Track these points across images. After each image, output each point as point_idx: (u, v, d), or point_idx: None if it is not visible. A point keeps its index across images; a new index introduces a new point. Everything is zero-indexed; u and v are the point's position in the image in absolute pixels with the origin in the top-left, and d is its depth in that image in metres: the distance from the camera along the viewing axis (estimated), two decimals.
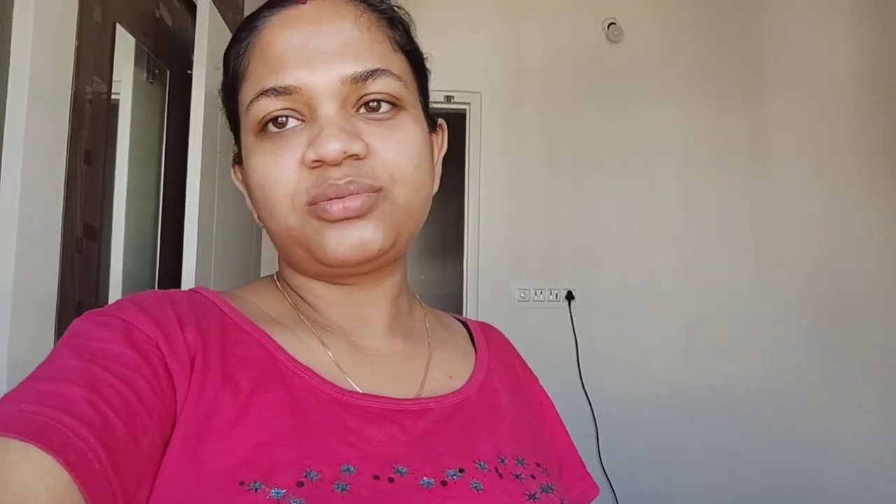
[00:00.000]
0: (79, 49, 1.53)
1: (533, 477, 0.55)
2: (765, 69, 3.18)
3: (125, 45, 1.86)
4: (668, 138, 3.13)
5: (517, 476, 0.53)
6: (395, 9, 0.59)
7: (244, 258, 2.67)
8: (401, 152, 0.54)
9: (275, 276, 0.65)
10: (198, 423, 0.46)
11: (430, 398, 0.56)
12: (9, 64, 1.30)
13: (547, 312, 3.01)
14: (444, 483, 0.49)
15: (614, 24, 3.11)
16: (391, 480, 0.47)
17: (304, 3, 0.54)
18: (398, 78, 0.55)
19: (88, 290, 1.58)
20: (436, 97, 3.10)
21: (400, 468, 0.48)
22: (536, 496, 0.52)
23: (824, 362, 3.04)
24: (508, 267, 3.04)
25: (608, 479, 2.87)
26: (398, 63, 0.56)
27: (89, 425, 0.39)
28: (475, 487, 0.50)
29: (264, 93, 0.52)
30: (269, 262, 3.39)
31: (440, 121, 0.65)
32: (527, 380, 0.72)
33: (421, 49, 0.62)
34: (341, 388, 0.53)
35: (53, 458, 0.36)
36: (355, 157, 0.51)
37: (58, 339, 0.95)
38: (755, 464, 2.96)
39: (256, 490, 0.43)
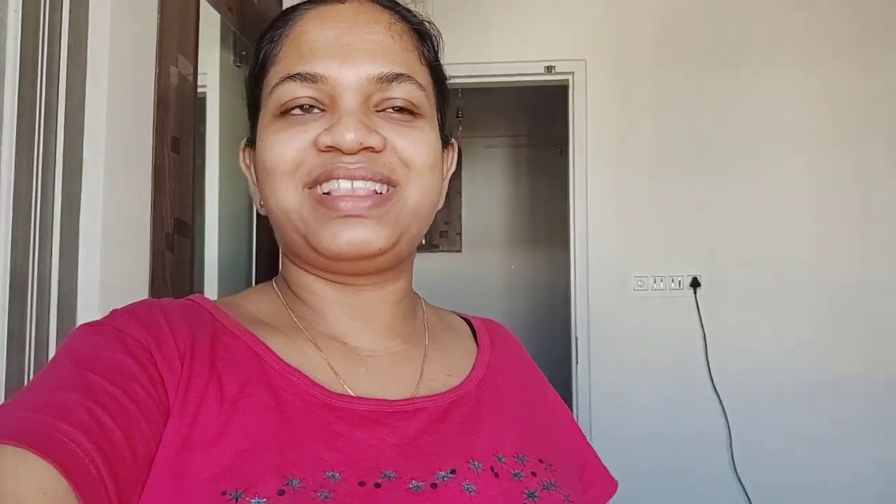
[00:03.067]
0: (161, 23, 1.39)
1: (534, 474, 0.54)
2: None
3: (210, 21, 1.73)
4: (797, 108, 2.78)
5: (515, 475, 0.53)
6: (427, 24, 0.61)
7: None
8: (418, 149, 0.56)
9: (273, 281, 0.65)
10: (183, 431, 0.46)
11: (425, 397, 0.56)
12: (87, 41, 1.17)
13: (669, 301, 2.72)
14: (433, 486, 0.48)
15: None
16: (378, 486, 0.47)
17: (343, 3, 0.57)
18: (421, 87, 0.57)
19: (181, 289, 1.46)
20: (535, 68, 2.89)
21: (388, 473, 0.48)
22: (536, 494, 0.51)
23: None
24: (622, 254, 2.79)
25: (742, 484, 2.58)
26: (423, 75, 0.59)
27: (86, 431, 0.39)
28: (467, 489, 0.49)
29: (291, 77, 0.54)
30: None
31: (452, 139, 0.67)
32: (537, 377, 0.71)
33: (444, 71, 0.63)
34: (330, 391, 0.52)
35: (50, 465, 0.36)
36: (371, 149, 0.53)
37: None
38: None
39: (237, 499, 0.43)
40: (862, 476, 2.65)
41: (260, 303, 0.61)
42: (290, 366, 0.53)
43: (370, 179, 0.53)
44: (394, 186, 0.55)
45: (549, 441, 0.62)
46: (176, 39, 1.48)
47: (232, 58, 1.86)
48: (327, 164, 0.53)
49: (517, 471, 0.53)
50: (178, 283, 1.44)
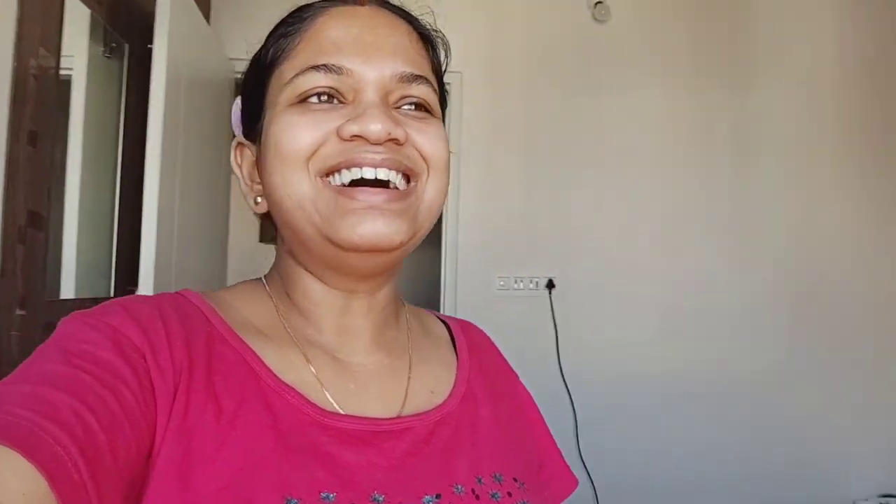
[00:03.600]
0: (21, 19, 1.39)
1: (510, 494, 0.55)
2: (751, 58, 3.10)
3: (78, 15, 1.72)
4: (650, 124, 3.05)
5: (493, 495, 0.54)
6: (436, 34, 0.62)
7: (209, 248, 2.55)
8: (436, 145, 0.55)
9: (263, 279, 0.63)
10: (184, 446, 0.46)
11: (411, 416, 0.56)
12: None
13: (527, 301, 2.93)
14: None
15: (601, 2, 3.00)
16: None
17: (363, 5, 0.57)
18: (435, 91, 0.58)
19: (34, 283, 1.47)
20: None
21: (377, 496, 0.48)
22: None
23: (797, 348, 3.02)
24: (488, 255, 2.95)
25: (585, 467, 2.83)
26: (434, 81, 0.59)
27: (71, 434, 0.39)
28: None
29: (314, 67, 0.53)
30: (236, 252, 3.28)
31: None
32: (509, 380, 0.71)
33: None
34: (323, 410, 0.52)
35: (34, 467, 0.36)
36: (395, 141, 0.53)
37: None
38: (731, 449, 2.94)
39: None
40: (698, 461, 2.96)
41: (253, 304, 0.59)
42: (284, 383, 0.52)
43: (394, 169, 0.53)
44: (414, 181, 0.55)
45: (522, 455, 0.63)
46: (38, 33, 1.49)
47: (102, 49, 1.85)
48: (349, 152, 0.52)
49: (494, 491, 0.54)
50: (30, 276, 1.45)
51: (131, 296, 0.54)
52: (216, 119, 2.55)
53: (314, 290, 0.58)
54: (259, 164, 0.58)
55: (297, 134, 0.52)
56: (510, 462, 0.59)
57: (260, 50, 0.59)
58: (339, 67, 0.53)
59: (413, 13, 0.62)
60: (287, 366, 0.54)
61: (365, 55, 0.54)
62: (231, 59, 2.77)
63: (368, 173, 0.52)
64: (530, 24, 3.04)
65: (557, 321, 2.91)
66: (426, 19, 0.62)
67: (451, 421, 0.58)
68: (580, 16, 3.05)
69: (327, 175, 0.53)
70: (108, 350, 0.46)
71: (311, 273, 0.58)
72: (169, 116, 1.91)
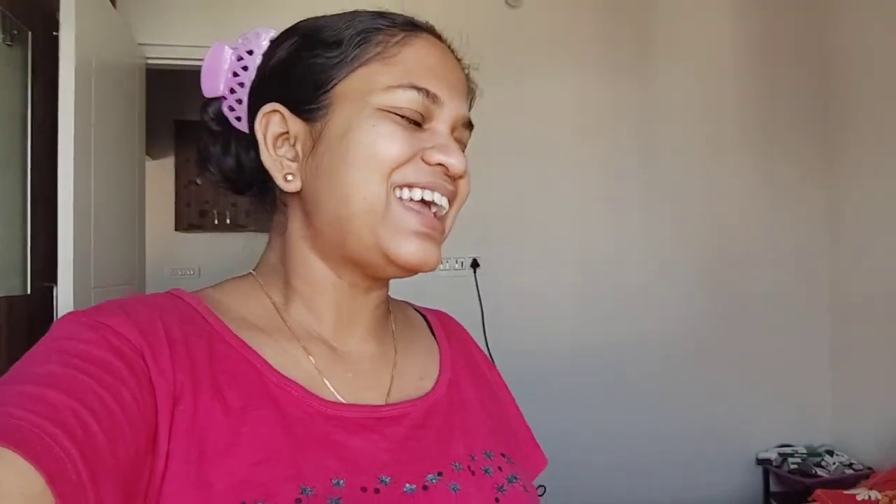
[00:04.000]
0: None
1: (500, 469, 0.59)
2: (655, 40, 3.26)
3: None
4: (565, 107, 3.17)
5: (486, 470, 0.58)
6: (473, 89, 0.67)
7: (127, 239, 2.48)
8: (468, 185, 0.61)
9: (253, 275, 0.63)
10: (197, 445, 0.47)
11: (406, 402, 0.59)
12: None
13: (453, 280, 3.01)
14: (425, 488, 0.53)
15: None
16: (377, 491, 0.50)
17: (442, 42, 0.62)
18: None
19: None
20: None
21: (384, 478, 0.51)
22: (504, 488, 0.57)
23: (702, 316, 3.22)
24: None
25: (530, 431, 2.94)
26: None
27: (71, 435, 0.39)
28: (453, 489, 0.54)
29: (417, 88, 0.56)
30: (150, 241, 3.19)
31: None
32: (486, 364, 0.75)
33: None
34: (325, 400, 0.54)
35: (33, 468, 0.36)
36: (459, 177, 0.59)
37: None
38: (645, 412, 3.13)
39: None
40: (616, 423, 3.11)
41: (248, 302, 0.60)
42: (287, 378, 0.54)
43: (448, 199, 0.58)
44: (450, 205, 0.59)
45: (505, 432, 0.67)
46: None
47: (2, 37, 1.77)
48: (431, 175, 0.56)
49: (486, 467, 0.58)
50: None
51: (128, 296, 0.55)
52: (128, 105, 2.47)
53: (325, 281, 0.60)
54: (315, 146, 0.57)
55: (394, 146, 0.55)
56: (497, 439, 0.63)
57: (325, 28, 0.59)
58: (437, 97, 0.57)
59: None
60: (288, 360, 0.56)
61: (452, 91, 0.58)
62: (140, 44, 2.69)
63: (438, 198, 0.57)
64: (440, 6, 3.08)
65: (482, 298, 3.01)
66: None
67: (443, 405, 0.61)
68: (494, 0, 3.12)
69: (400, 187, 0.55)
70: (106, 350, 0.46)
71: (328, 264, 0.59)
72: (80, 106, 1.85)
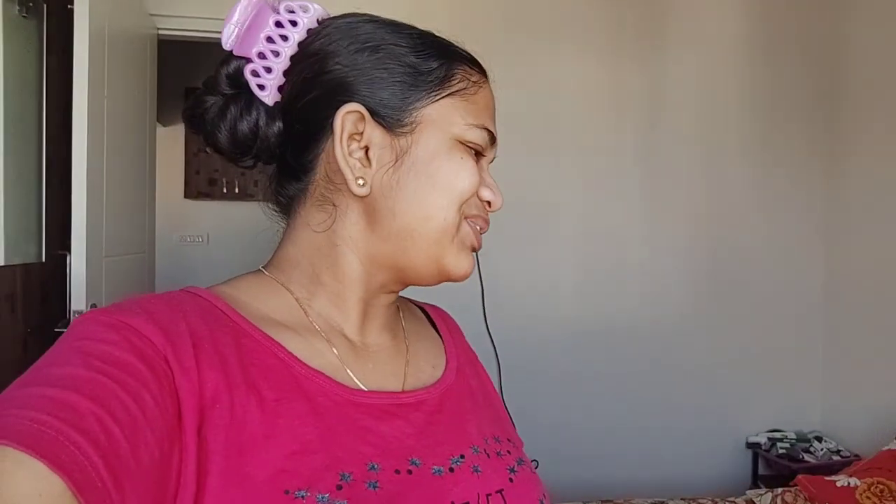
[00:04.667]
0: None
1: (509, 452, 0.63)
2: (660, 27, 3.24)
3: None
4: (567, 91, 3.16)
5: (498, 454, 0.61)
6: None
7: (138, 208, 2.53)
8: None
9: (264, 271, 0.63)
10: (236, 440, 0.48)
11: (422, 389, 0.62)
12: None
13: None
14: (451, 470, 0.56)
15: None
16: (410, 472, 0.53)
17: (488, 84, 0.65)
18: None
19: None
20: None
21: (415, 460, 0.54)
22: (514, 469, 0.61)
23: (701, 301, 3.26)
24: None
25: (510, 416, 3.01)
26: None
27: (94, 442, 0.39)
28: (475, 470, 0.57)
29: (488, 130, 0.61)
30: (161, 208, 3.23)
31: None
32: (474, 355, 0.78)
33: None
34: (351, 389, 0.56)
35: (61, 478, 0.37)
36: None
37: None
38: (643, 391, 3.20)
39: (303, 497, 0.46)
40: (612, 399, 3.15)
41: (268, 299, 0.60)
42: (313, 369, 0.56)
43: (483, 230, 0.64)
44: None
45: (504, 419, 0.71)
46: None
47: (16, 8, 1.80)
48: (481, 209, 0.63)
49: (498, 450, 0.62)
50: None
51: (148, 294, 0.55)
52: (139, 77, 2.51)
53: (358, 280, 0.61)
54: (398, 161, 0.58)
55: (471, 182, 0.59)
56: (500, 425, 0.67)
57: (410, 41, 0.60)
58: (495, 139, 0.63)
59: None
60: (312, 352, 0.57)
61: (496, 134, 0.64)
62: (152, 14, 2.71)
63: (482, 229, 0.63)
64: None
65: (483, 279, 3.05)
66: None
67: (454, 391, 0.65)
68: None
69: (466, 217, 0.61)
70: (128, 352, 0.46)
71: (366, 266, 0.61)
72: (94, 77, 1.89)
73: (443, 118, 0.59)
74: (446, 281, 0.62)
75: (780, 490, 2.30)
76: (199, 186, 4.66)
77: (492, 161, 0.65)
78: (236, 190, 4.65)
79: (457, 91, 0.60)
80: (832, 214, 3.31)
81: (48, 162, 1.90)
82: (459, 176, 0.59)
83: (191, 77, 4.51)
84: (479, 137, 0.60)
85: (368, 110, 0.58)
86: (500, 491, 0.57)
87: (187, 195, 4.65)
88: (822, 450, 2.99)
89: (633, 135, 3.24)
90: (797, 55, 3.34)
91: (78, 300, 1.78)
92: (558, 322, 3.17)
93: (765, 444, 3.16)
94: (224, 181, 4.64)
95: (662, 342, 3.24)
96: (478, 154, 0.62)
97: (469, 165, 0.59)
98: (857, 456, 2.91)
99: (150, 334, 0.48)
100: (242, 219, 4.49)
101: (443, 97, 0.59)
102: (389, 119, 0.58)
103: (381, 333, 0.65)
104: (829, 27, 3.30)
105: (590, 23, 3.19)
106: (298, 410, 0.52)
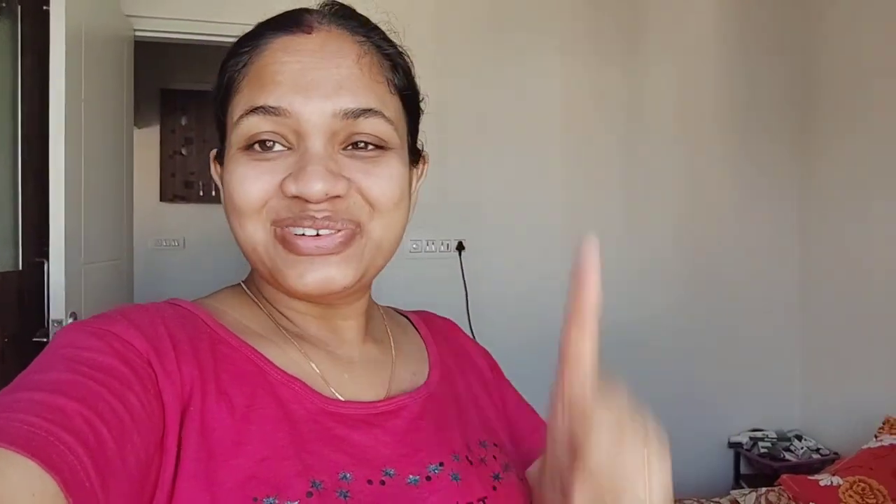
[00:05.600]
0: None
1: (494, 458, 0.61)
2: (643, 27, 3.28)
3: None
4: (550, 93, 3.18)
5: (482, 460, 0.59)
6: (400, 51, 0.60)
7: (115, 212, 2.48)
8: (383, 188, 0.54)
9: (243, 286, 0.63)
10: (206, 445, 0.47)
11: (402, 396, 0.60)
12: None
13: (438, 262, 3.04)
14: (428, 478, 0.54)
15: None
16: (383, 483, 0.52)
17: (310, 34, 0.54)
18: (389, 121, 0.55)
19: None
20: None
21: (388, 470, 0.53)
22: (500, 476, 0.58)
23: (686, 308, 3.29)
24: None
25: (527, 403, 3.00)
26: (393, 105, 0.57)
27: (83, 442, 0.39)
28: (454, 478, 0.55)
29: (254, 110, 0.52)
30: (138, 212, 3.17)
31: (425, 152, 0.66)
32: (471, 350, 0.76)
33: (419, 89, 0.63)
34: (326, 398, 0.55)
35: (47, 473, 0.36)
36: (336, 196, 0.52)
37: None
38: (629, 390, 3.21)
39: None
40: None
41: (243, 311, 0.60)
42: (290, 375, 0.54)
43: (334, 229, 0.53)
44: (359, 227, 0.55)
45: (495, 421, 0.68)
46: None
47: None
48: (293, 209, 0.52)
49: (482, 456, 0.60)
50: None
51: (127, 304, 0.54)
52: (116, 78, 2.45)
53: (294, 304, 0.60)
54: (224, 196, 0.57)
55: (248, 188, 0.52)
56: (488, 429, 0.65)
57: (219, 75, 0.58)
58: (276, 109, 0.52)
59: (374, 22, 0.60)
60: (288, 361, 0.56)
61: (306, 93, 0.52)
62: (128, 15, 2.65)
63: (310, 232, 0.52)
64: None
65: (467, 280, 3.04)
66: (390, 35, 0.60)
67: (437, 398, 0.62)
68: None
69: (278, 224, 0.53)
70: (112, 356, 0.46)
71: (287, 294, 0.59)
72: (70, 79, 1.84)
73: (229, 131, 0.56)
74: (307, 297, 0.56)
75: (763, 490, 2.32)
76: (174, 189, 4.58)
77: (370, 115, 0.54)
78: (213, 193, 4.58)
79: (230, 91, 0.56)
80: (809, 215, 3.36)
81: (24, 167, 1.84)
82: (236, 189, 0.53)
83: (167, 79, 4.44)
84: (252, 127, 0.52)
85: (219, 156, 0.60)
86: (482, 499, 0.55)
87: (163, 198, 4.57)
88: (802, 448, 3.03)
89: (614, 135, 3.26)
90: (773, 56, 3.39)
91: (56, 309, 1.73)
92: (540, 322, 3.16)
93: (746, 443, 3.20)
94: (200, 183, 4.58)
95: (643, 343, 3.26)
96: (284, 142, 0.53)
97: (241, 173, 0.53)
98: (836, 454, 2.95)
99: (133, 339, 0.48)
100: (219, 221, 4.40)
101: (227, 109, 0.56)
102: (223, 155, 0.58)
103: (360, 345, 0.63)
104: (804, 29, 3.36)
105: (572, 26, 3.20)
106: (271, 417, 0.51)
